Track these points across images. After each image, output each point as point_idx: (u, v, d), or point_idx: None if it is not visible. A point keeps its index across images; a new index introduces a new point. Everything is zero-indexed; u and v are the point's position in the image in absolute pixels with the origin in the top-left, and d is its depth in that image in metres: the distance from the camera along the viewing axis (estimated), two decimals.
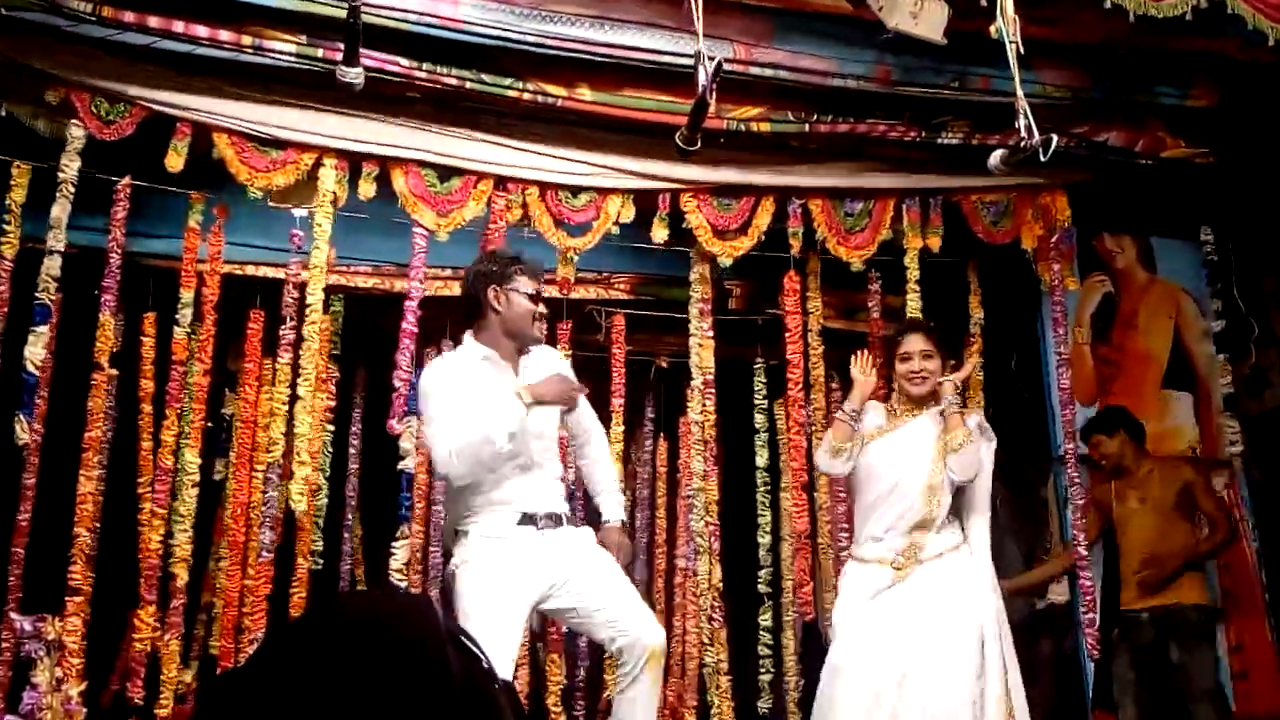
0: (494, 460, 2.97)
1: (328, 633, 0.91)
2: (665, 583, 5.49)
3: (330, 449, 4.94)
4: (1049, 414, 4.92)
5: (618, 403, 5.04)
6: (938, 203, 4.69)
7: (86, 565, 4.00)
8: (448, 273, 4.86)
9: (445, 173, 4.25)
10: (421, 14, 3.78)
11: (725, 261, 4.61)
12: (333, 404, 4.95)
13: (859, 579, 3.42)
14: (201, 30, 3.75)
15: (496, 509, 3.05)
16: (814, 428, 4.85)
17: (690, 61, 3.36)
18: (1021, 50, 3.45)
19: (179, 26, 3.72)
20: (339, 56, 3.61)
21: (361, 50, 3.56)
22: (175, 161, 4.01)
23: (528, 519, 3.05)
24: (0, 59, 3.79)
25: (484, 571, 3.00)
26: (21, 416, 3.86)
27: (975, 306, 5.01)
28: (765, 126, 4.27)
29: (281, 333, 4.39)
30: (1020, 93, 3.45)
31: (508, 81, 4.03)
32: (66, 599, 3.88)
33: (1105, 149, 4.49)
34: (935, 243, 4.68)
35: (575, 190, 4.40)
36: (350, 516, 5.41)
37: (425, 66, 3.94)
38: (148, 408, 4.51)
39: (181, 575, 4.21)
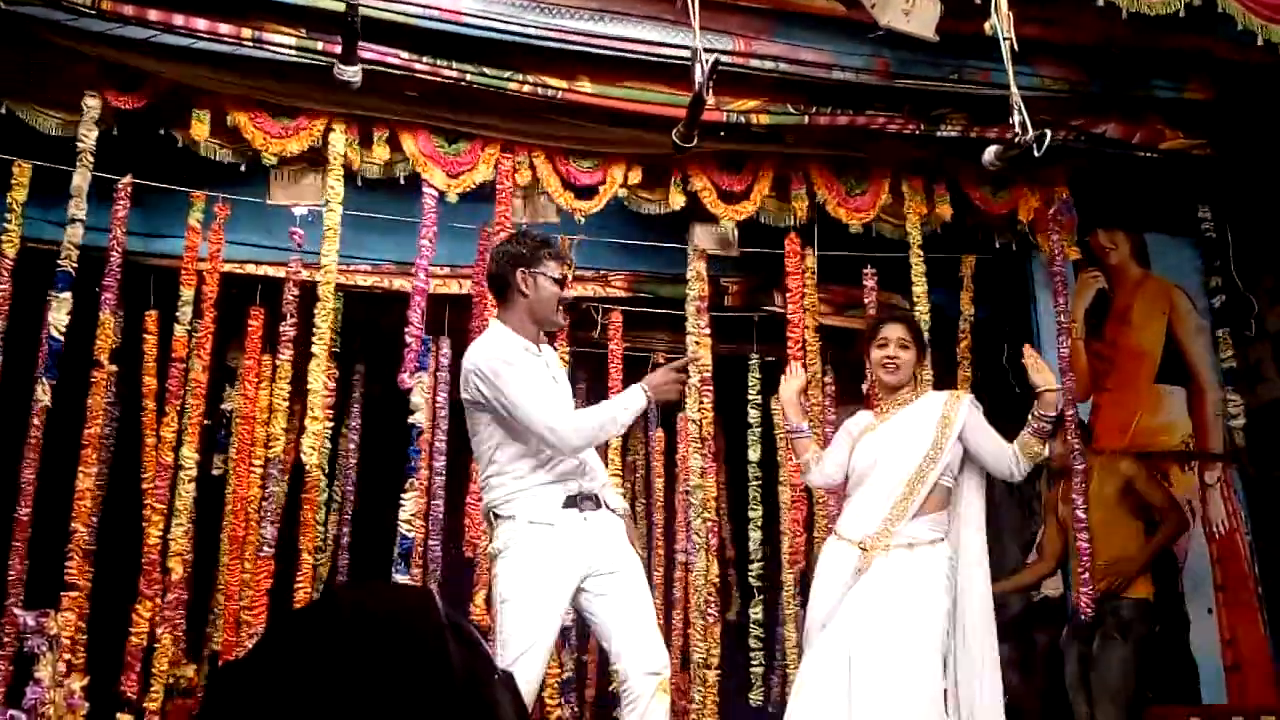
0: (606, 438, 3.10)
1: (328, 624, 0.92)
2: (665, 577, 5.51)
3: (329, 445, 4.95)
4: None
5: None
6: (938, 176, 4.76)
7: (84, 560, 4.00)
8: (446, 271, 4.88)
9: (454, 135, 4.34)
10: (422, 7, 3.80)
11: (728, 224, 4.66)
12: (331, 400, 4.95)
13: (832, 557, 3.44)
14: (201, 24, 3.77)
15: (539, 490, 2.99)
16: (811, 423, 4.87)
17: (689, 55, 3.39)
18: (1016, 47, 3.48)
19: (179, 20, 3.74)
20: (338, 49, 3.63)
21: (361, 43, 3.58)
22: (200, 130, 4.09)
23: (571, 501, 3.00)
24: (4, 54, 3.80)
25: (528, 560, 2.94)
26: (44, 379, 3.92)
27: (967, 303, 5.02)
28: (764, 119, 4.30)
29: (282, 329, 4.41)
30: (1015, 89, 3.47)
31: (507, 74, 4.06)
32: (63, 594, 3.89)
33: (1104, 140, 4.52)
34: (945, 210, 4.75)
35: (582, 154, 4.48)
36: (349, 510, 5.43)
37: (425, 59, 3.96)
38: (150, 404, 4.52)
39: (177, 570, 4.21)
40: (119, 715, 4.07)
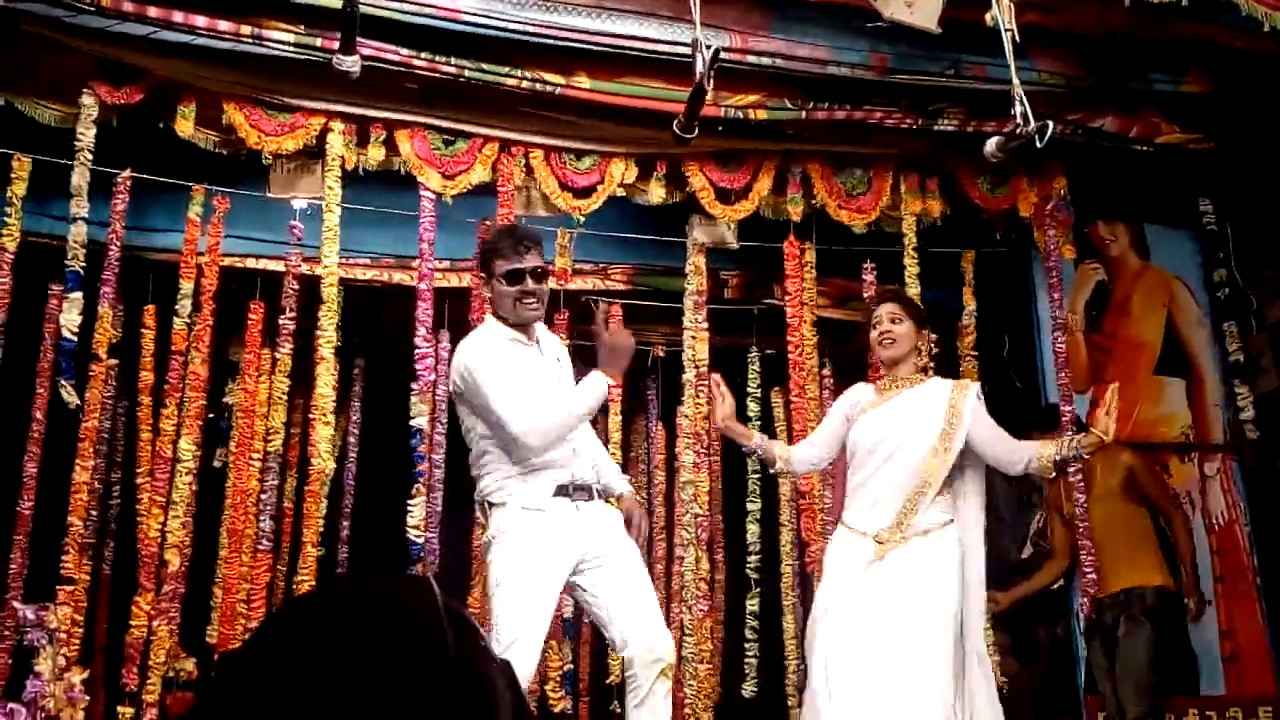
0: (569, 433, 3.04)
1: (325, 613, 0.92)
2: (665, 570, 5.52)
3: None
4: (1043, 403, 4.95)
5: (616, 391, 5.05)
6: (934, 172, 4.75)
7: (80, 554, 4.01)
8: (445, 264, 4.88)
9: (451, 135, 4.32)
10: (420, 4, 3.79)
11: (727, 224, 4.63)
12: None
13: (843, 547, 3.42)
14: (200, 20, 3.77)
15: (530, 479, 3.03)
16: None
17: (688, 50, 3.38)
18: (1017, 38, 3.47)
19: (178, 17, 3.74)
20: (337, 45, 3.63)
21: (360, 39, 3.58)
22: (185, 126, 4.07)
23: (562, 490, 3.04)
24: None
25: (521, 545, 2.98)
26: (64, 381, 3.93)
27: (969, 297, 5.02)
28: (762, 114, 4.29)
29: (281, 323, 4.40)
30: (1016, 80, 3.47)
31: (505, 70, 4.05)
32: (59, 588, 3.90)
33: (1100, 135, 4.52)
34: (935, 206, 4.73)
35: (579, 154, 4.46)
36: (349, 504, 5.44)
37: (423, 55, 3.96)
38: (147, 399, 4.53)
39: (174, 562, 4.22)
40: (119, 708, 4.08)
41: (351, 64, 3.65)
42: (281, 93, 4.08)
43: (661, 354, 5.68)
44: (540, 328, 3.29)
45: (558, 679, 4.78)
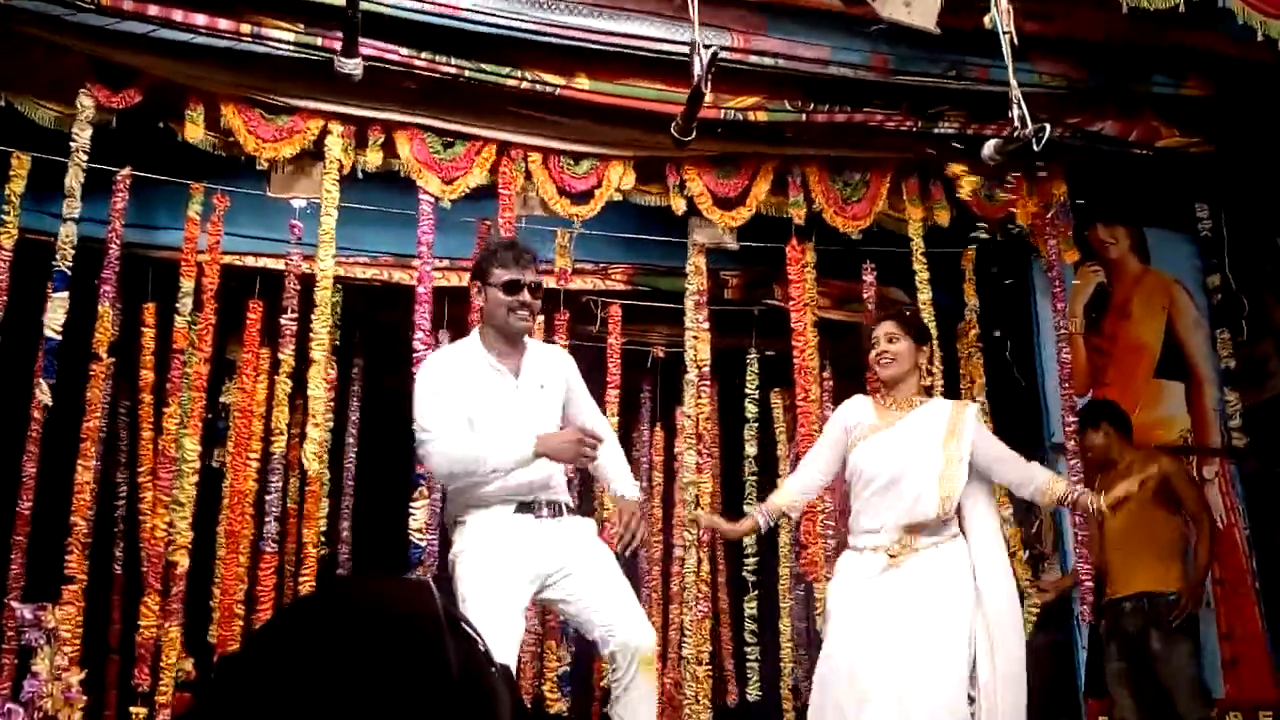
0: (474, 478, 3.01)
1: (325, 616, 0.92)
2: (662, 571, 5.52)
3: (328, 438, 4.94)
4: (1042, 403, 4.95)
5: (614, 392, 5.05)
6: (936, 177, 4.74)
7: (82, 554, 4.00)
8: (445, 264, 4.87)
9: (449, 138, 4.32)
10: (420, 2, 3.79)
11: (725, 229, 4.63)
12: (331, 397, 4.95)
13: (853, 565, 3.41)
14: (200, 19, 3.77)
15: (494, 499, 3.06)
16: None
17: (687, 50, 3.38)
18: (1016, 41, 3.47)
19: (178, 15, 3.74)
20: (338, 45, 3.63)
21: (361, 38, 3.58)
22: (194, 131, 4.06)
23: (525, 507, 3.07)
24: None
25: (481, 559, 3.02)
26: (43, 381, 3.92)
27: (970, 295, 5.02)
28: (762, 116, 4.29)
29: (282, 322, 4.40)
30: (1014, 83, 3.47)
31: (505, 70, 4.05)
32: (63, 587, 3.89)
33: (1100, 138, 4.52)
34: (944, 216, 4.72)
35: (577, 157, 4.46)
36: (348, 504, 5.43)
37: (424, 55, 3.96)
38: (148, 397, 4.52)
39: (182, 563, 4.21)
40: (131, 709, 4.09)
41: (353, 66, 3.66)
42: (281, 93, 4.07)
43: (661, 354, 5.68)
44: (535, 346, 3.29)
45: (555, 679, 4.78)
